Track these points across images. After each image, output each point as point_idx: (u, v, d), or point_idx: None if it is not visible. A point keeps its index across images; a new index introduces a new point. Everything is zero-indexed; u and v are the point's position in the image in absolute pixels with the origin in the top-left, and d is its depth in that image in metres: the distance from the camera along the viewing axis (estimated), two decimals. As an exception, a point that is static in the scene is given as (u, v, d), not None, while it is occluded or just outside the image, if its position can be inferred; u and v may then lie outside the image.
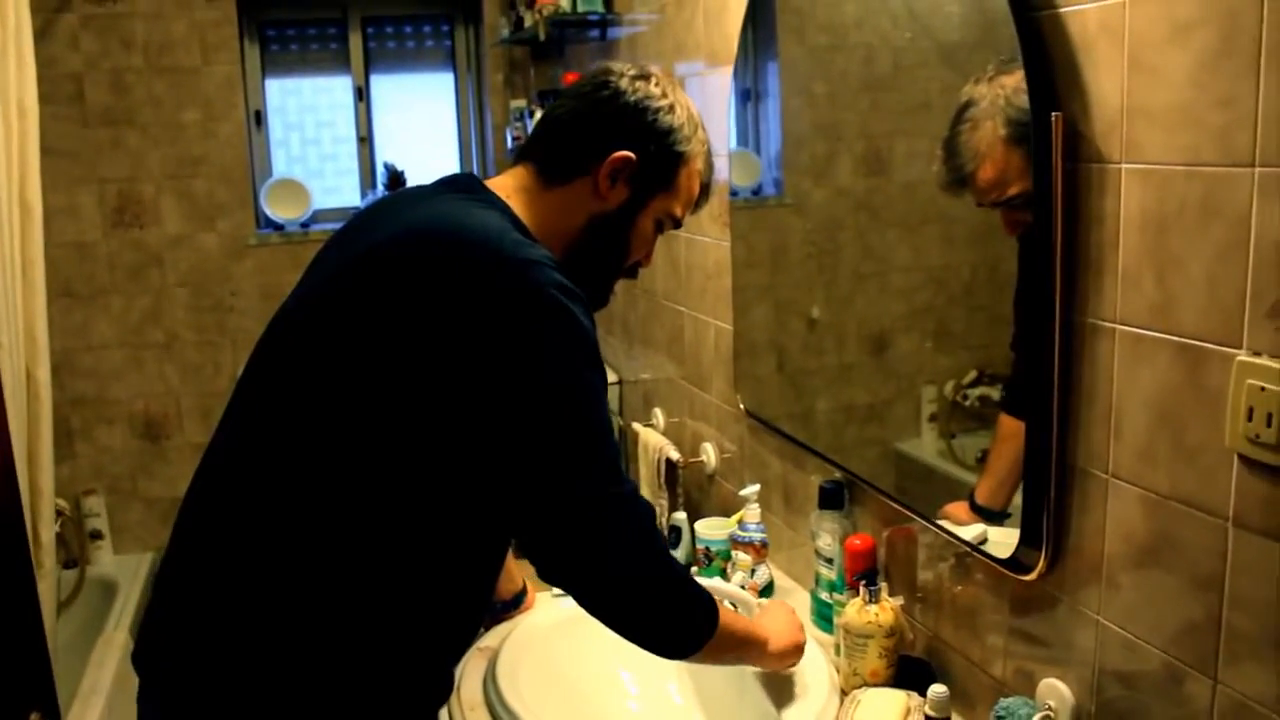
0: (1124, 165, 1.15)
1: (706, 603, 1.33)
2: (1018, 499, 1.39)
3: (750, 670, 1.69)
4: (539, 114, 3.26)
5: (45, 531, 2.59)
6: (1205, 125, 1.04)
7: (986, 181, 1.36)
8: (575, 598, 1.25)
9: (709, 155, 1.44)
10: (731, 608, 1.79)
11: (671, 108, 1.36)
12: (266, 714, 1.19)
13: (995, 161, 1.35)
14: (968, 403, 1.59)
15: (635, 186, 1.36)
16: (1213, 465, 1.07)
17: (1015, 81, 1.28)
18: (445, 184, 1.38)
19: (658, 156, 1.36)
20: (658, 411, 2.73)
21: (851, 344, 1.96)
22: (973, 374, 1.58)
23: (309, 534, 1.19)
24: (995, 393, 1.54)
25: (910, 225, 1.74)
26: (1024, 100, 1.26)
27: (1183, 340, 1.10)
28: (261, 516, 1.21)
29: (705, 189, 1.45)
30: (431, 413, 1.16)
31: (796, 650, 1.58)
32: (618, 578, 1.22)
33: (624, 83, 1.36)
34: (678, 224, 1.44)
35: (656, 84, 1.37)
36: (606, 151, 1.33)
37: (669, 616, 1.28)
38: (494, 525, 1.31)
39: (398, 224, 1.27)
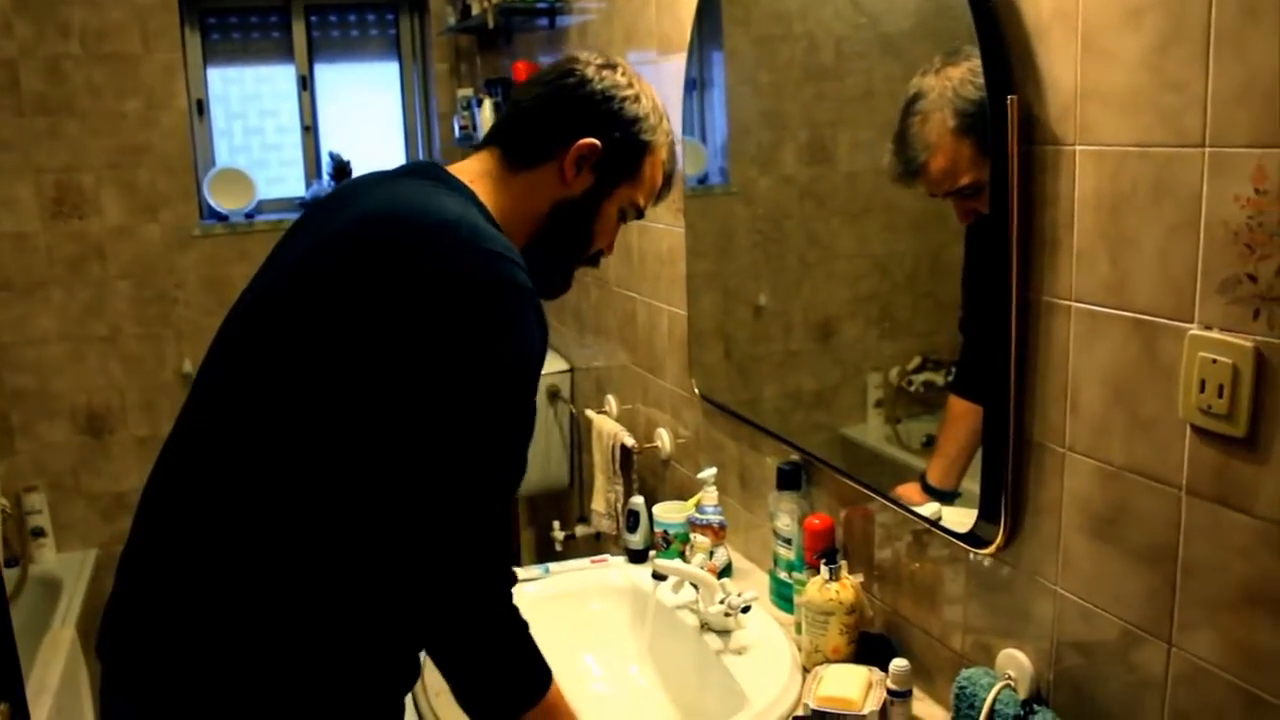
0: (1078, 147, 1.18)
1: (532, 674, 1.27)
2: (968, 480, 1.42)
3: (713, 650, 1.71)
4: (487, 103, 3.27)
5: (-11, 528, 2.54)
6: (1157, 107, 1.07)
7: (939, 172, 1.39)
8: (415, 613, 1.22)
9: (673, 146, 1.45)
10: (693, 589, 1.82)
11: (637, 97, 1.38)
12: (233, 699, 1.19)
13: (946, 152, 1.38)
14: (913, 388, 1.62)
15: (600, 174, 1.37)
16: (1166, 436, 1.11)
17: (962, 73, 1.31)
18: (408, 169, 1.37)
19: (623, 145, 1.37)
20: (611, 398, 2.74)
21: (798, 331, 1.98)
22: (917, 360, 1.61)
23: (276, 518, 1.18)
24: (940, 378, 1.57)
25: (854, 213, 1.76)
26: (971, 91, 1.29)
27: (1137, 316, 1.13)
28: (228, 502, 1.20)
29: (668, 179, 1.46)
30: (386, 396, 1.16)
31: None
32: (452, 614, 1.20)
33: (590, 71, 1.37)
34: (640, 213, 1.45)
35: (623, 74, 1.38)
36: (572, 138, 1.34)
37: (491, 663, 1.24)
38: None
39: (358, 210, 1.27)
